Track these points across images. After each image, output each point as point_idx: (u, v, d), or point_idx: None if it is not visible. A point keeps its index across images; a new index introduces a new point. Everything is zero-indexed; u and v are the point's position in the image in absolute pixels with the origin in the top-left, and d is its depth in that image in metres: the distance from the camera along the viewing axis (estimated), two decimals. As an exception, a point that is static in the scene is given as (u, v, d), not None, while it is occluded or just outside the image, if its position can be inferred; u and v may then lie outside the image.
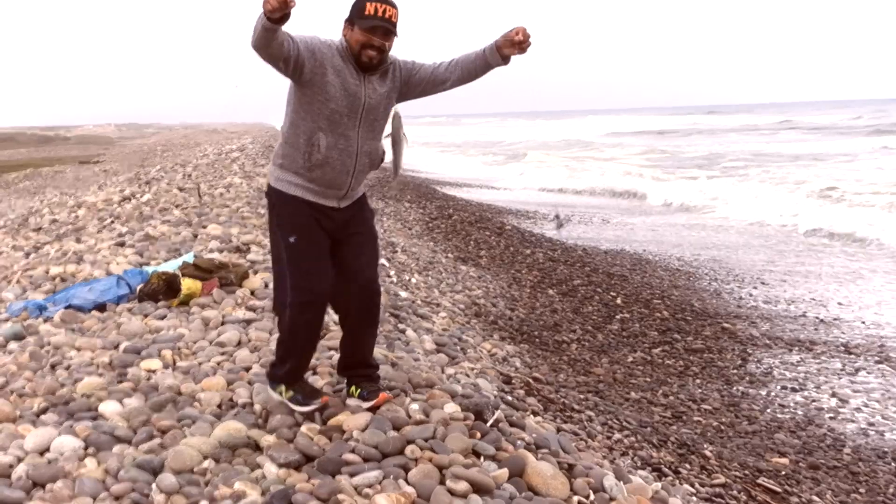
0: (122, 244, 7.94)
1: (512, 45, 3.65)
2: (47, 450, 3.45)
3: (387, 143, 3.86)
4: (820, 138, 48.47)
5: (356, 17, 3.51)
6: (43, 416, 3.83)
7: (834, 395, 7.01)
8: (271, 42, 3.25)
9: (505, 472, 3.22)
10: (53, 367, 4.57)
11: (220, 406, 3.94)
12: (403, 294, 7.67)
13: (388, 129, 3.83)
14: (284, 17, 3.15)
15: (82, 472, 3.23)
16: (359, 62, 3.55)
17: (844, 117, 71.40)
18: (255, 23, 3.21)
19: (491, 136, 65.72)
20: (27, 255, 8.03)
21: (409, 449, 3.29)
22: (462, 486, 3.05)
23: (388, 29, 3.51)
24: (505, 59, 3.72)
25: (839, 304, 9.89)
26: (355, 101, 3.59)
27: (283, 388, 3.75)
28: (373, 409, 3.70)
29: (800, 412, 6.68)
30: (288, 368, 3.75)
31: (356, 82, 3.57)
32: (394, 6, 3.52)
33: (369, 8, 3.47)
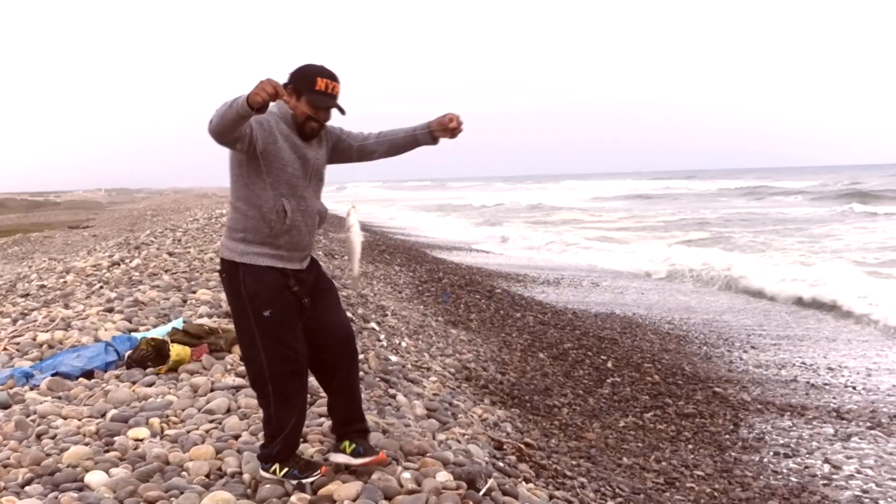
0: (110, 310, 7.89)
1: (444, 130, 3.83)
2: (31, 522, 3.38)
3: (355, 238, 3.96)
4: (799, 203, 49.28)
5: (305, 90, 3.60)
6: (28, 488, 3.76)
7: (827, 461, 6.96)
8: (239, 127, 3.31)
9: (498, 542, 3.17)
10: (39, 436, 4.50)
11: (208, 475, 3.88)
12: (394, 358, 7.62)
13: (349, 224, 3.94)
14: (265, 107, 3.23)
15: (67, 546, 3.16)
16: (301, 131, 3.65)
17: (821, 183, 72.57)
18: (225, 109, 3.24)
19: (478, 200, 66.39)
20: (14, 321, 7.96)
21: (401, 519, 3.24)
22: (455, 557, 3.00)
23: (334, 105, 3.65)
24: (434, 141, 3.89)
25: (829, 368, 9.88)
26: (306, 163, 3.68)
27: (276, 466, 3.67)
28: (364, 468, 3.67)
29: (793, 479, 6.62)
30: (280, 445, 3.67)
31: (302, 145, 3.67)
32: (338, 81, 3.66)
33: (320, 84, 3.59)
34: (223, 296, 8.18)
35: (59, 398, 5.23)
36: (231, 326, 6.68)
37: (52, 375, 5.63)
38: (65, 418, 4.77)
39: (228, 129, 3.29)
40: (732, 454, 7.10)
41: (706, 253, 21.97)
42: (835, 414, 8.14)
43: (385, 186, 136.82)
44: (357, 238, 3.97)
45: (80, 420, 4.73)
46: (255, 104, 3.18)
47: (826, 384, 9.20)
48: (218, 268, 3.88)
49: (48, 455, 4.15)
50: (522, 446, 6.09)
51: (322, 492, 3.54)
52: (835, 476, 6.67)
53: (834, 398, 8.68)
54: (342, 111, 3.67)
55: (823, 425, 7.84)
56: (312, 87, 3.59)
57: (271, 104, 3.57)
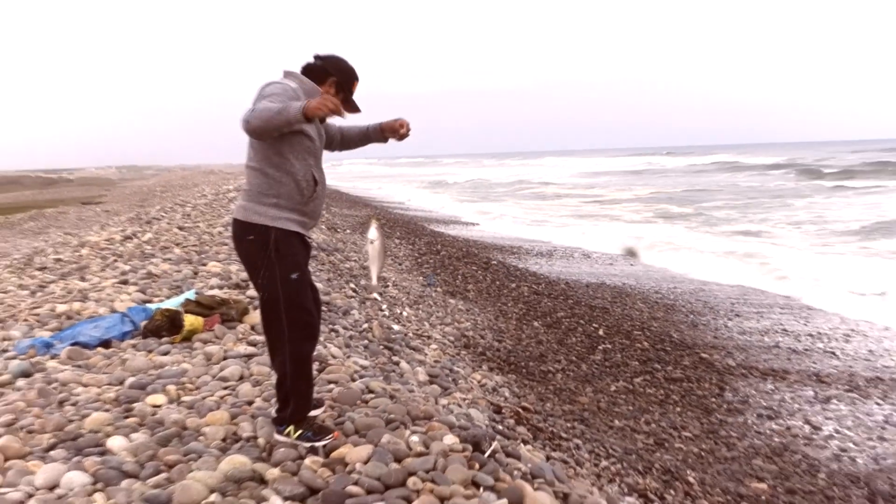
0: (125, 282, 7.85)
1: (394, 132, 3.97)
2: (57, 485, 3.36)
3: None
4: (784, 178, 49.31)
5: (346, 89, 3.74)
6: (52, 452, 3.73)
7: (807, 422, 6.99)
8: (282, 130, 3.37)
9: (504, 502, 3.16)
10: (61, 403, 4.47)
11: (224, 440, 3.86)
12: (396, 327, 7.61)
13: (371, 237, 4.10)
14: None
15: (91, 508, 3.15)
16: None
17: (789, 158, 72.45)
18: (271, 115, 3.24)
19: (469, 176, 66.41)
20: (33, 293, 7.91)
21: (410, 481, 3.23)
22: (463, 516, 2.99)
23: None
24: (384, 140, 4.05)
25: (809, 335, 9.91)
26: (322, 138, 3.78)
27: (290, 429, 3.65)
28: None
29: (776, 439, 6.65)
30: (294, 407, 3.66)
31: (318, 123, 3.73)
32: None
33: (355, 87, 3.78)
34: (233, 267, 8.15)
35: (79, 367, 5.19)
36: (241, 297, 6.66)
37: (72, 345, 5.59)
38: (85, 386, 4.74)
39: (271, 132, 3.32)
40: (718, 416, 7.13)
41: (685, 231, 22.06)
42: (815, 378, 8.17)
43: (380, 163, 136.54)
44: (375, 249, 4.12)
45: (99, 388, 4.70)
46: (315, 117, 3.24)
47: (807, 349, 9.22)
48: (230, 233, 3.84)
49: (70, 421, 4.12)
50: (520, 410, 6.10)
51: (334, 455, 3.53)
52: (815, 436, 6.71)
53: (814, 363, 8.71)
54: (359, 110, 3.79)
55: (804, 389, 7.87)
56: (351, 89, 3.76)
57: (293, 80, 3.61)
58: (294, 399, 3.66)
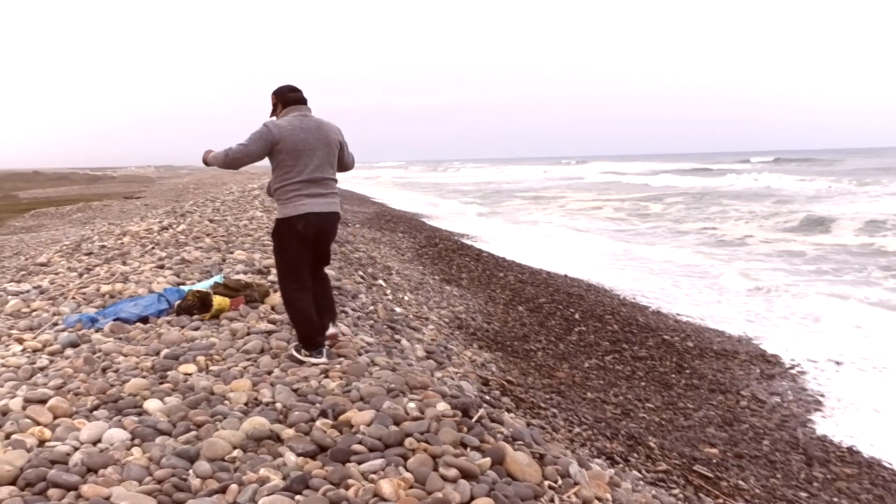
0: (161, 267, 7.83)
1: None
2: (99, 440, 3.37)
3: None
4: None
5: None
6: (95, 412, 3.74)
7: (754, 396, 7.03)
8: None
9: (488, 460, 3.18)
10: (104, 370, 4.48)
11: (246, 404, 3.87)
12: (398, 310, 7.62)
13: None
14: None
15: (129, 460, 3.16)
16: None
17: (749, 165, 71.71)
18: None
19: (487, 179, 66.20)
20: (80, 275, 7.90)
21: (407, 441, 3.25)
22: (452, 472, 3.01)
23: None
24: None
25: (764, 321, 9.94)
26: None
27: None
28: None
29: (727, 411, 6.69)
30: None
31: None
32: None
33: None
34: (256, 255, 8.16)
35: (120, 339, 5.20)
36: (263, 281, 6.67)
37: (114, 320, 5.59)
38: (125, 356, 4.75)
39: None
40: (677, 390, 7.17)
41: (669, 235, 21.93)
42: (761, 358, 8.21)
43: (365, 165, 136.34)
44: None
45: (138, 357, 4.71)
46: None
47: (755, 333, 9.25)
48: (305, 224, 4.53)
49: (112, 386, 4.13)
50: (505, 383, 6.12)
51: (342, 418, 3.54)
52: (760, 409, 6.75)
53: (761, 345, 8.75)
54: None
55: (752, 367, 7.91)
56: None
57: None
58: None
